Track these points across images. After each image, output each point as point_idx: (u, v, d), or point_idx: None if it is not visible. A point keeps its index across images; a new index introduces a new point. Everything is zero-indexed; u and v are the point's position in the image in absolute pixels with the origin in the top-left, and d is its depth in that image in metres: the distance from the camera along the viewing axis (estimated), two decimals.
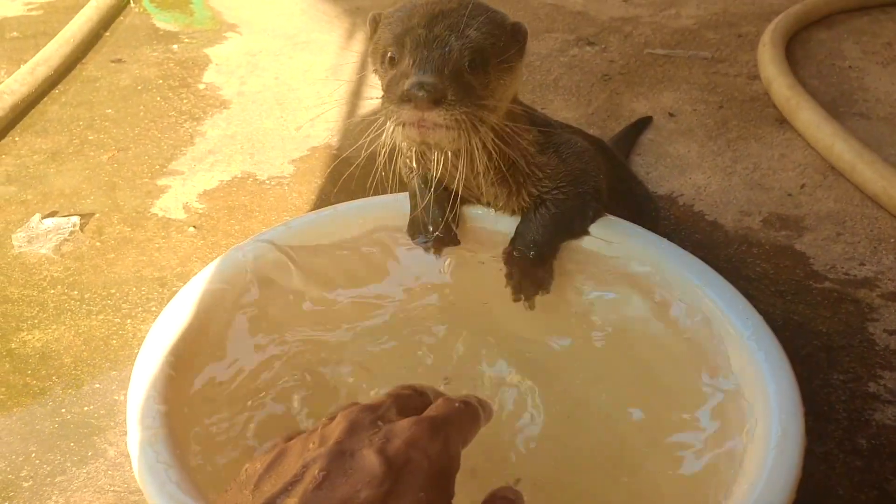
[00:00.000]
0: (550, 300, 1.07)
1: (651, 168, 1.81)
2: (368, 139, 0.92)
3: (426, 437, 0.59)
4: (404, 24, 0.90)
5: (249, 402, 0.99)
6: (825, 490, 1.06)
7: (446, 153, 0.94)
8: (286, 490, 0.55)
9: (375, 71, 0.98)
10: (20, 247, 1.60)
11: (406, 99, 0.83)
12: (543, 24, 2.60)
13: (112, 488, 1.11)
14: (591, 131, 1.60)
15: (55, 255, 1.58)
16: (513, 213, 1.09)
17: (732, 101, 2.09)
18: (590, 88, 2.19)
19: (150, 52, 2.53)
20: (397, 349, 1.11)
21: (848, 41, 2.36)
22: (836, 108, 2.00)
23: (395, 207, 1.14)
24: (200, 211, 1.71)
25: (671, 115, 2.03)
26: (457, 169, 0.96)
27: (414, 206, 1.12)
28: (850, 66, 2.22)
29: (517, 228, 1.08)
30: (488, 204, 1.11)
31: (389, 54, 0.91)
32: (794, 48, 2.30)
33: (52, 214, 1.70)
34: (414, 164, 1.00)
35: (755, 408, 0.82)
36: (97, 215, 1.71)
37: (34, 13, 2.86)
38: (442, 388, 0.72)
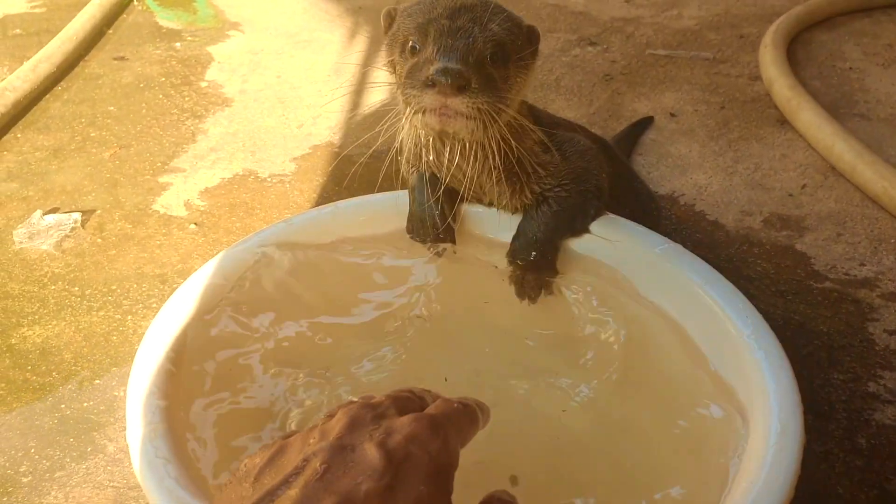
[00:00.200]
0: (551, 298, 1.07)
1: (652, 168, 1.82)
2: (385, 127, 0.92)
3: (426, 433, 0.60)
4: (426, 14, 0.91)
5: (248, 401, 0.99)
6: (825, 489, 1.06)
7: (461, 145, 0.94)
8: (287, 482, 0.55)
9: (391, 61, 0.98)
10: (21, 243, 1.61)
11: (430, 84, 0.83)
12: (545, 24, 2.60)
13: (111, 484, 1.11)
14: (592, 131, 1.60)
15: (56, 251, 1.59)
16: (514, 210, 1.10)
17: (734, 101, 2.09)
18: (591, 88, 2.19)
19: (152, 49, 2.53)
20: (397, 349, 1.11)
21: (849, 43, 2.36)
22: (837, 109, 2.00)
23: (394, 205, 1.14)
24: (202, 208, 1.71)
25: (673, 115, 2.03)
26: (467, 163, 0.96)
27: (412, 202, 1.12)
28: (850, 68, 2.22)
29: (519, 226, 1.08)
30: (490, 202, 1.12)
31: (411, 43, 0.91)
32: (795, 49, 2.30)
33: (54, 211, 1.71)
34: (429, 157, 1.00)
35: (755, 405, 0.82)
36: (98, 212, 1.71)
37: (37, 10, 2.86)
38: (441, 388, 0.73)
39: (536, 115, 1.07)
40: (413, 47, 0.91)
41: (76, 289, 1.49)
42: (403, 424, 0.60)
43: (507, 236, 1.09)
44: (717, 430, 0.89)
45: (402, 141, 0.93)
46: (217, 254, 1.08)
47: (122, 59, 2.48)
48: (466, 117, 0.85)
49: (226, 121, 2.09)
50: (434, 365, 1.09)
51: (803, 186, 1.72)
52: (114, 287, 1.49)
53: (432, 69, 0.83)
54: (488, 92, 0.86)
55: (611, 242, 1.06)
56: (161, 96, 2.23)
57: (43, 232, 1.63)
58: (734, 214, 1.64)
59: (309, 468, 0.56)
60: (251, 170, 1.86)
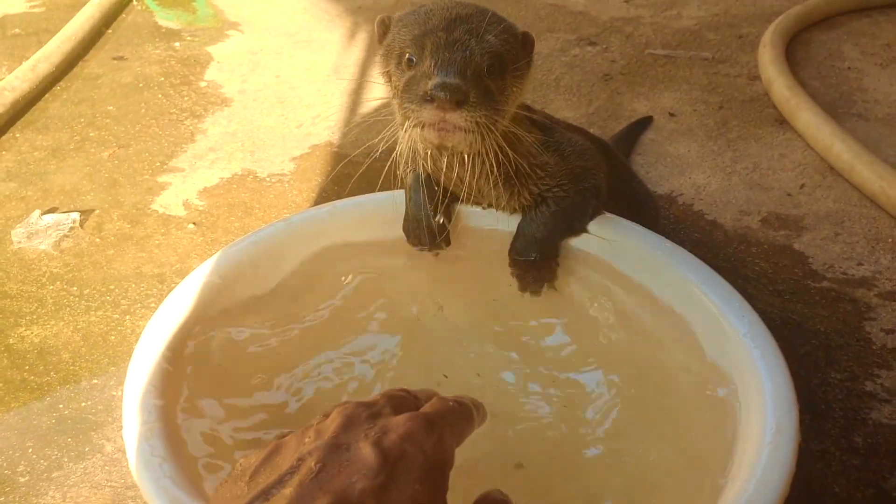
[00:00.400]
0: (550, 294, 1.08)
1: (651, 167, 1.82)
2: (382, 141, 0.92)
3: (421, 431, 0.60)
4: (422, 26, 0.90)
5: (245, 401, 0.99)
6: (822, 488, 1.06)
7: (459, 157, 0.95)
8: (282, 481, 0.55)
9: (387, 72, 0.98)
10: (19, 242, 1.61)
11: (429, 99, 0.84)
12: (545, 24, 2.60)
13: (109, 483, 1.12)
14: (591, 131, 1.60)
15: (54, 251, 1.59)
16: (513, 211, 1.10)
17: (733, 101, 2.09)
18: (591, 88, 2.19)
19: (152, 49, 2.54)
20: (396, 347, 1.11)
21: (847, 43, 2.36)
22: (836, 108, 2.00)
23: (391, 205, 1.14)
24: (200, 208, 1.72)
25: (672, 115, 2.03)
26: (465, 171, 0.97)
27: (409, 203, 1.12)
28: (849, 68, 2.22)
29: (518, 227, 1.09)
30: (489, 205, 1.12)
31: (408, 55, 0.91)
32: (794, 49, 2.30)
33: (52, 210, 1.71)
34: (428, 166, 1.00)
35: (750, 404, 0.82)
36: (97, 212, 1.71)
37: (36, 10, 2.86)
38: (439, 385, 0.73)
39: (534, 118, 1.07)
40: (410, 60, 0.90)
41: (74, 289, 1.49)
42: (398, 423, 0.60)
43: (505, 227, 1.10)
44: (712, 420, 0.90)
45: (399, 151, 0.93)
46: (215, 253, 1.08)
47: (121, 58, 2.48)
48: (465, 131, 0.86)
49: (225, 120, 2.09)
50: (434, 363, 1.09)
51: (802, 186, 1.72)
52: (112, 287, 1.49)
53: (430, 84, 0.83)
54: (486, 105, 0.86)
55: (609, 242, 1.06)
56: (160, 96, 2.23)
57: (41, 232, 1.63)
58: (732, 214, 1.64)
59: (304, 467, 0.56)
60: (250, 170, 1.86)
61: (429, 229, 1.09)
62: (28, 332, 1.39)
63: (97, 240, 1.62)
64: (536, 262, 1.07)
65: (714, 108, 2.06)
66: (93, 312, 1.43)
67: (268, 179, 1.81)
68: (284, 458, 0.59)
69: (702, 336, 0.96)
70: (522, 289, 1.09)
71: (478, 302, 1.15)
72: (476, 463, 0.90)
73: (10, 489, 1.11)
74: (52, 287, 1.49)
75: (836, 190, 1.70)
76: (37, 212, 1.68)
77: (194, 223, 1.66)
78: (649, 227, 1.09)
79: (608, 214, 1.09)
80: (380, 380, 1.06)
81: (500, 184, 1.03)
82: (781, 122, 1.97)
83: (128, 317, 1.42)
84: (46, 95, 2.23)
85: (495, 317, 1.13)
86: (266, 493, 0.55)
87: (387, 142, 0.94)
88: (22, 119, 2.10)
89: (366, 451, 0.56)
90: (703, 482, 0.83)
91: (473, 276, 1.16)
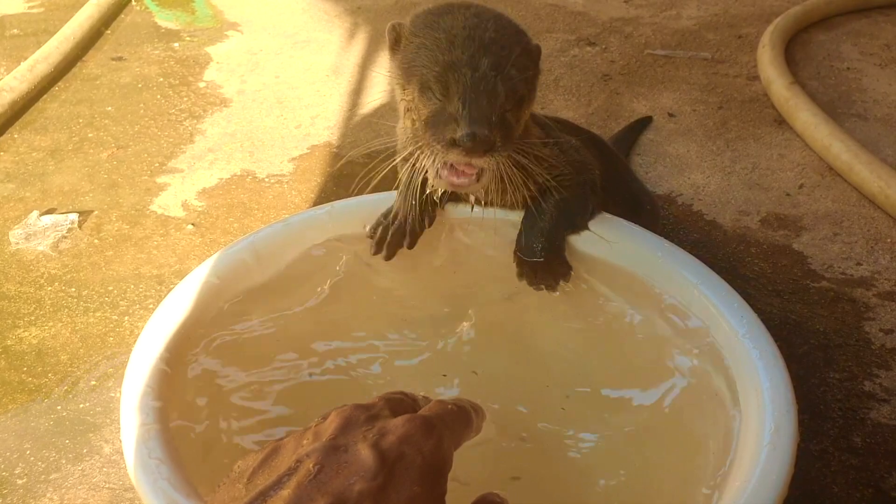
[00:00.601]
0: (554, 296, 1.07)
1: (650, 168, 1.82)
2: (403, 172, 0.95)
3: (420, 433, 0.60)
4: (445, 54, 0.88)
5: (243, 402, 0.99)
6: (821, 488, 1.06)
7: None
8: (280, 482, 0.55)
9: (404, 93, 0.96)
10: (17, 243, 1.61)
11: (456, 145, 0.85)
12: (544, 24, 2.60)
13: (107, 485, 1.11)
14: (591, 130, 1.59)
15: (53, 252, 1.59)
16: (515, 207, 1.09)
17: (732, 101, 2.09)
18: (590, 88, 2.19)
19: (150, 50, 2.53)
20: (395, 347, 1.11)
21: (846, 43, 2.37)
22: (835, 108, 2.00)
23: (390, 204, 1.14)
24: (199, 209, 1.71)
25: (671, 115, 2.03)
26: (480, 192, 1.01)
27: (398, 198, 1.11)
28: (848, 68, 2.23)
29: (522, 221, 1.08)
30: (491, 202, 1.11)
31: (431, 89, 0.90)
32: (793, 49, 2.30)
33: (51, 211, 1.71)
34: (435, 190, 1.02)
35: (749, 404, 0.82)
36: (96, 213, 1.71)
37: (35, 10, 2.86)
38: (439, 385, 0.73)
39: (535, 118, 1.07)
40: (431, 91, 0.90)
41: (73, 290, 1.49)
42: (397, 425, 0.60)
43: (511, 232, 1.09)
44: (711, 421, 0.90)
45: (401, 178, 0.94)
46: (213, 254, 1.08)
47: (120, 59, 2.48)
48: (485, 171, 0.90)
49: (224, 121, 2.09)
50: (432, 363, 1.09)
51: (800, 186, 1.72)
52: (111, 288, 1.49)
53: (460, 133, 0.84)
54: (508, 144, 0.89)
55: (608, 243, 1.06)
56: (159, 97, 2.23)
57: (40, 233, 1.63)
58: (731, 214, 1.64)
59: (302, 469, 0.56)
60: (249, 170, 1.86)
61: (410, 230, 1.08)
62: (26, 334, 1.38)
63: (96, 241, 1.62)
64: (543, 254, 1.06)
65: (713, 109, 2.06)
66: (91, 314, 1.43)
67: (267, 180, 1.81)
68: (282, 460, 0.59)
69: (700, 336, 0.96)
70: (534, 284, 1.06)
71: (477, 301, 1.15)
72: (472, 475, 0.89)
73: (8, 491, 1.11)
74: (50, 288, 1.49)
75: (835, 190, 1.70)
76: (35, 213, 1.67)
77: (193, 224, 1.66)
78: (648, 228, 1.09)
79: (607, 215, 1.09)
80: (378, 380, 1.05)
81: (510, 192, 1.02)
82: (780, 122, 1.97)
83: (126, 318, 1.42)
84: (45, 96, 2.22)
85: (494, 317, 1.13)
86: (264, 494, 0.54)
87: (401, 166, 0.96)
88: (20, 120, 2.10)
89: (364, 453, 0.56)
90: (702, 483, 0.83)
91: (474, 276, 1.16)
